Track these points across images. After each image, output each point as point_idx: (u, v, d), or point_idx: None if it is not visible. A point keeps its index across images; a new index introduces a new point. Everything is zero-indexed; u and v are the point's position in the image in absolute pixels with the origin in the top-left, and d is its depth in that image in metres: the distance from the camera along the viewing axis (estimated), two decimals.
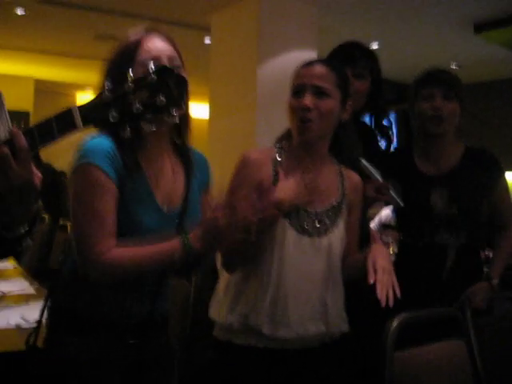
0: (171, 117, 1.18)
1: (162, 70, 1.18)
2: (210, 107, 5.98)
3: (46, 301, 1.82)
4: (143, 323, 1.77)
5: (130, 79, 1.16)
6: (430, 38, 6.94)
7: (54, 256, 4.54)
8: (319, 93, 1.92)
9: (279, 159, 1.99)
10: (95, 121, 1.17)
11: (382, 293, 1.71)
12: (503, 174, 2.56)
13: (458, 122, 2.50)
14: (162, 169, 1.78)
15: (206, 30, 6.22)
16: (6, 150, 1.10)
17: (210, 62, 5.95)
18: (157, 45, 1.75)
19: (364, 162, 2.34)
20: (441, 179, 2.48)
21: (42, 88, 10.49)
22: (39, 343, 1.81)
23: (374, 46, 6.60)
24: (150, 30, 1.79)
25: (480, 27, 6.39)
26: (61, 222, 4.66)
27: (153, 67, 1.18)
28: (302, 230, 1.92)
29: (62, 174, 6.76)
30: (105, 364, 1.70)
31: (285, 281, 1.88)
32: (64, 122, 1.15)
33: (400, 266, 2.53)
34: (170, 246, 1.61)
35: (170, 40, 1.80)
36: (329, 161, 2.05)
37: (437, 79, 2.49)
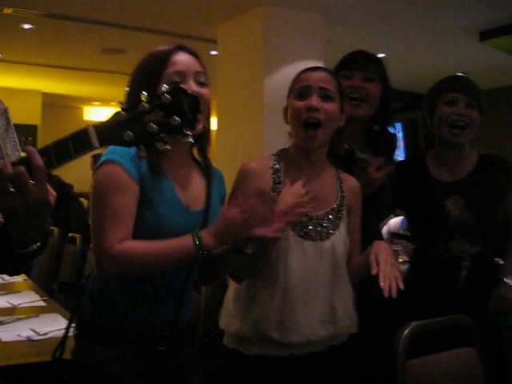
0: (185, 136, 1.20)
1: (175, 89, 1.19)
2: (218, 118, 6.00)
3: (72, 313, 1.84)
4: (171, 332, 1.77)
5: (144, 99, 1.18)
6: (436, 47, 6.96)
7: (63, 269, 4.55)
8: (325, 96, 1.94)
9: (278, 167, 2.02)
10: (111, 140, 1.19)
11: (385, 283, 1.72)
12: None
13: (475, 132, 2.50)
14: (185, 174, 1.81)
15: (212, 41, 6.25)
16: (22, 168, 1.11)
17: (216, 73, 5.98)
18: (183, 59, 1.76)
19: (358, 153, 2.34)
20: (456, 186, 2.46)
21: (50, 101, 10.56)
22: (65, 355, 1.81)
23: (381, 55, 6.61)
24: (178, 44, 1.80)
25: (485, 35, 6.40)
26: (70, 235, 4.65)
27: (166, 87, 1.20)
28: (304, 235, 1.93)
29: (71, 186, 6.79)
30: (133, 373, 1.71)
31: (291, 286, 1.89)
32: (80, 141, 1.16)
33: (414, 274, 2.54)
34: (183, 241, 1.63)
35: (196, 55, 1.81)
36: (327, 165, 2.07)
37: (462, 85, 2.48)
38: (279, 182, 1.98)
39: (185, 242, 1.63)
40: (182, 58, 1.75)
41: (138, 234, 1.66)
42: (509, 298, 2.36)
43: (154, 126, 1.16)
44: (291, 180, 1.93)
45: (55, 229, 4.96)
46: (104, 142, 1.17)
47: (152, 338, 1.73)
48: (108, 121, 1.18)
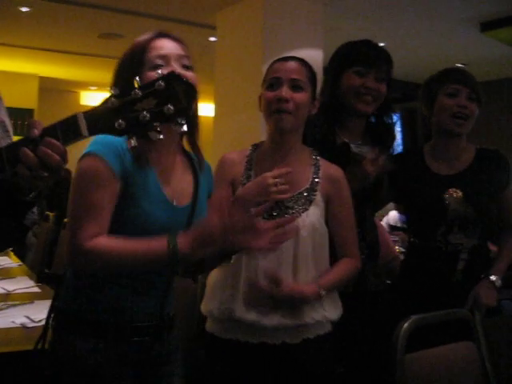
0: (178, 125, 1.16)
1: (170, 76, 1.16)
2: (216, 105, 5.97)
3: (52, 303, 1.80)
4: (151, 323, 1.75)
5: (137, 85, 1.14)
6: (437, 37, 6.93)
7: (58, 255, 4.53)
8: (295, 86, 2.01)
9: (252, 155, 2.13)
10: (101, 129, 1.15)
11: None
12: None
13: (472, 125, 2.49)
14: (171, 167, 1.77)
15: (211, 28, 6.22)
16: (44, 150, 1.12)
17: (215, 60, 5.94)
18: (166, 44, 1.73)
19: (354, 146, 2.33)
20: (454, 179, 2.46)
21: (47, 86, 10.50)
22: (47, 345, 1.78)
23: (380, 45, 6.58)
24: (160, 31, 1.77)
25: (487, 26, 6.37)
26: (65, 220, 4.63)
27: (161, 72, 1.16)
28: (268, 217, 1.99)
29: (68, 171, 6.76)
30: (113, 365, 1.68)
31: (254, 267, 1.96)
32: (69, 129, 1.13)
33: (412, 267, 2.53)
34: (158, 245, 1.56)
35: (180, 41, 1.78)
36: (302, 152, 2.12)
37: (464, 78, 2.48)
38: (250, 169, 2.08)
39: (159, 245, 1.56)
40: (164, 43, 1.73)
41: (121, 230, 1.63)
42: (485, 304, 2.33)
43: (147, 114, 1.13)
44: (260, 167, 2.05)
45: (51, 214, 4.94)
46: (94, 131, 1.14)
47: (132, 328, 1.71)
48: (98, 108, 1.14)
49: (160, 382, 1.82)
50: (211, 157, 5.62)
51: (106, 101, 1.14)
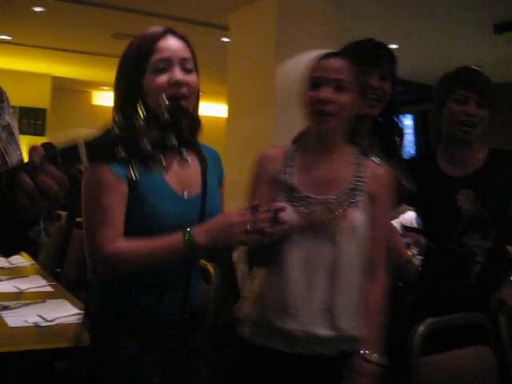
0: (182, 158, 1.15)
1: (176, 108, 1.14)
2: (228, 106, 5.97)
3: (85, 308, 1.86)
4: (181, 317, 1.77)
5: (141, 115, 1.12)
6: (450, 39, 6.90)
7: (70, 253, 4.54)
8: (338, 86, 1.91)
9: (291, 151, 2.03)
10: (102, 158, 1.14)
11: None
12: None
13: (484, 128, 2.47)
14: (177, 162, 1.78)
15: (225, 28, 6.21)
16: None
17: (227, 60, 5.94)
18: (171, 45, 1.73)
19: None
20: (467, 181, 2.44)
21: (59, 85, 10.54)
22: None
23: (394, 46, 6.56)
24: (165, 28, 1.77)
25: (500, 28, 6.33)
26: (77, 220, 4.64)
27: (166, 103, 1.14)
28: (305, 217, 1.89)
29: (79, 171, 6.78)
30: (145, 360, 1.71)
31: (291, 271, 1.86)
32: (69, 157, 1.12)
33: (428, 271, 2.52)
34: (174, 239, 1.62)
35: (184, 38, 1.78)
36: (345, 151, 2.02)
37: (472, 83, 2.44)
38: (289, 166, 1.98)
39: (175, 239, 1.62)
40: (168, 44, 1.73)
41: (133, 230, 1.67)
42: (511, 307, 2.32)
43: (149, 146, 1.11)
44: (302, 165, 1.96)
45: (63, 213, 4.95)
46: (94, 160, 1.13)
47: (162, 323, 1.73)
48: (100, 137, 1.12)
49: (190, 378, 1.84)
50: (223, 158, 5.63)
51: (109, 131, 1.12)
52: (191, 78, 1.73)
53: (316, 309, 1.85)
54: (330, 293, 1.86)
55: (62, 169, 1.11)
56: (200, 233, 1.61)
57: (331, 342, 1.86)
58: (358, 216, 1.91)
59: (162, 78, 1.69)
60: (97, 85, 11.29)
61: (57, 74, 10.25)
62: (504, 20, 6.22)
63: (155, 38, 1.72)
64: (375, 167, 2.02)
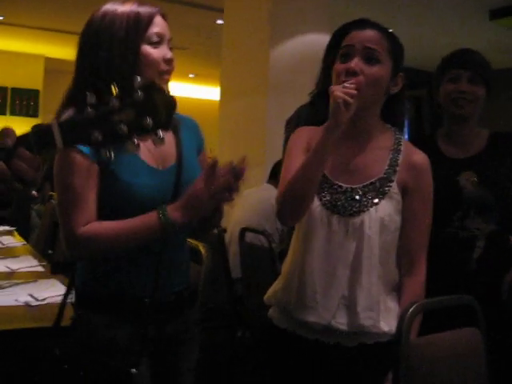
0: (158, 140, 1.12)
1: (150, 86, 1.11)
2: (221, 89, 5.95)
3: (68, 287, 1.85)
4: (169, 301, 1.78)
5: (115, 94, 1.09)
6: (445, 24, 6.89)
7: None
8: (369, 57, 1.77)
9: None
10: (77, 140, 1.12)
11: None
12: None
13: (482, 107, 2.47)
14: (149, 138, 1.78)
15: (219, 10, 6.18)
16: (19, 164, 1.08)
17: (222, 43, 5.92)
18: (161, 22, 1.75)
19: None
20: (468, 163, 2.42)
21: (53, 67, 10.48)
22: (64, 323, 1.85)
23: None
24: (158, 8, 1.77)
25: (495, 14, 6.34)
26: None
27: (139, 81, 1.10)
28: (332, 208, 1.81)
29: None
30: (129, 339, 1.71)
31: (311, 262, 1.80)
32: (43, 140, 1.09)
33: (428, 254, 2.52)
34: (148, 218, 1.62)
35: (165, 18, 1.80)
36: (380, 134, 1.88)
37: (464, 62, 2.45)
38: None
39: (150, 218, 1.62)
40: (160, 21, 1.74)
41: (113, 209, 1.67)
42: None
43: (125, 127, 1.08)
44: (335, 148, 1.81)
45: (54, 194, 4.95)
46: (69, 142, 1.10)
47: (148, 304, 1.72)
48: (74, 118, 1.11)
49: (176, 360, 1.85)
50: (216, 140, 5.63)
51: (82, 110, 1.09)
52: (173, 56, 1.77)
53: (335, 302, 1.79)
54: (350, 287, 1.79)
55: (36, 152, 1.08)
56: (174, 210, 1.62)
57: (350, 335, 1.79)
58: (386, 208, 1.81)
59: (158, 52, 1.71)
60: None
61: (50, 55, 10.21)
62: (499, 6, 6.22)
63: (155, 13, 1.73)
64: (412, 154, 1.88)
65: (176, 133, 1.82)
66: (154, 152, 1.76)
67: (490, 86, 2.44)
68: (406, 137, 2.91)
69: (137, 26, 1.70)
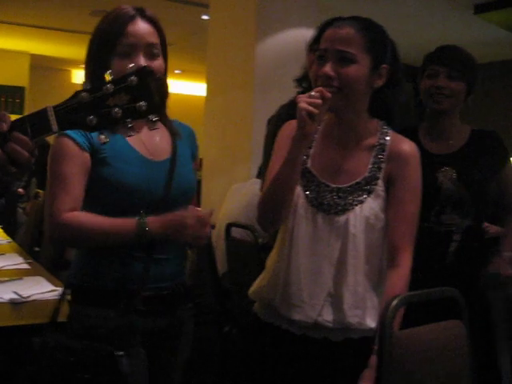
0: (151, 123, 1.14)
1: (143, 71, 1.13)
2: (207, 85, 5.94)
3: (66, 283, 1.88)
4: (164, 294, 1.80)
5: (108, 79, 1.12)
6: (430, 19, 6.90)
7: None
8: (342, 58, 1.75)
9: (316, 131, 1.88)
10: (72, 124, 1.13)
11: None
12: (508, 153, 2.53)
13: (462, 102, 2.48)
14: (141, 127, 1.79)
15: (204, 6, 6.16)
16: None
17: (207, 38, 5.91)
18: (139, 29, 1.75)
19: None
20: (448, 159, 2.45)
21: (38, 63, 10.43)
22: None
23: None
24: (136, 10, 1.79)
25: (480, 8, 6.35)
26: None
27: (133, 67, 1.13)
28: (318, 206, 1.81)
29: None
30: (124, 332, 1.72)
31: (297, 259, 1.81)
32: (38, 123, 1.11)
33: None
34: (127, 223, 1.68)
35: (154, 22, 1.80)
36: (365, 131, 1.87)
37: (443, 58, 2.48)
38: (309, 147, 1.88)
39: (131, 221, 1.68)
40: (137, 28, 1.75)
41: (102, 195, 1.73)
42: (502, 276, 2.36)
43: (119, 110, 1.10)
44: (319, 147, 1.89)
45: (41, 191, 4.93)
46: (64, 126, 1.12)
47: (142, 297, 1.74)
48: (69, 102, 1.12)
49: (169, 354, 1.87)
50: (202, 137, 5.62)
51: (77, 95, 1.12)
52: (156, 63, 1.76)
53: (321, 300, 1.80)
54: (336, 285, 1.79)
55: (31, 136, 1.11)
56: (155, 221, 1.68)
57: (336, 331, 1.81)
58: (372, 206, 1.81)
59: (126, 63, 1.70)
60: (76, 63, 11.17)
61: (35, 52, 10.15)
62: (483, 1, 6.23)
63: (125, 22, 1.74)
64: (399, 144, 1.87)
65: (173, 132, 1.88)
66: (148, 144, 1.80)
67: (471, 81, 2.46)
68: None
69: (106, 43, 1.74)
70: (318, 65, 1.79)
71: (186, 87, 12.48)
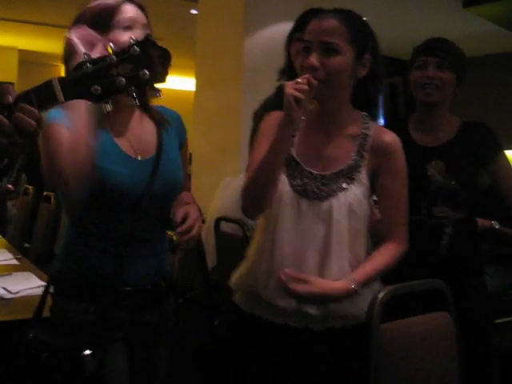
0: (155, 91, 1.18)
1: (145, 41, 1.16)
2: (196, 79, 5.93)
3: (49, 277, 1.88)
4: (145, 289, 1.79)
5: (111, 50, 1.14)
6: (418, 12, 6.91)
7: (37, 227, 4.52)
8: (328, 50, 1.79)
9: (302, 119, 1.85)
10: (77, 94, 1.15)
11: None
12: (500, 145, 2.53)
13: (452, 93, 2.49)
14: (126, 123, 1.80)
15: (193, 0, 6.15)
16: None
17: (196, 33, 5.90)
18: (131, 10, 1.76)
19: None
20: (438, 151, 2.45)
21: (27, 59, 10.39)
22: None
23: None
24: None
25: (469, 1, 6.36)
26: (45, 194, 4.61)
27: (135, 38, 1.16)
28: (302, 192, 1.84)
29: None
30: (104, 327, 1.71)
31: (281, 245, 1.82)
32: (44, 95, 1.13)
33: None
34: None
35: (141, 7, 1.80)
36: (348, 121, 1.91)
37: (431, 48, 2.47)
38: (293, 136, 1.89)
39: None
40: (129, 9, 1.76)
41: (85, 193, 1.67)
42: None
43: (123, 79, 1.13)
44: (304, 135, 1.92)
45: (30, 187, 4.92)
46: (70, 96, 1.13)
47: (123, 292, 1.75)
48: (74, 73, 1.14)
49: (152, 350, 1.87)
50: (192, 132, 5.61)
51: (81, 66, 1.14)
52: None
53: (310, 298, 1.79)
54: (320, 271, 1.80)
55: (37, 107, 1.12)
56: None
57: (320, 319, 1.81)
58: (355, 193, 1.84)
59: (128, 35, 1.70)
60: None
61: (24, 47, 10.11)
62: None
63: (119, 3, 1.75)
64: (382, 135, 1.91)
65: (158, 125, 1.86)
66: (133, 143, 1.79)
67: (460, 72, 2.46)
68: (382, 122, 2.89)
69: (100, 17, 1.73)
70: (304, 56, 1.83)
71: (175, 82, 12.44)
